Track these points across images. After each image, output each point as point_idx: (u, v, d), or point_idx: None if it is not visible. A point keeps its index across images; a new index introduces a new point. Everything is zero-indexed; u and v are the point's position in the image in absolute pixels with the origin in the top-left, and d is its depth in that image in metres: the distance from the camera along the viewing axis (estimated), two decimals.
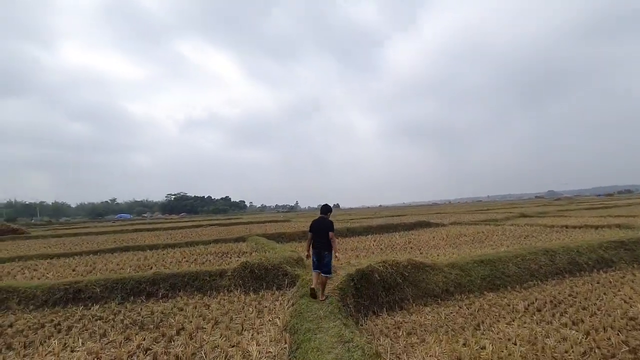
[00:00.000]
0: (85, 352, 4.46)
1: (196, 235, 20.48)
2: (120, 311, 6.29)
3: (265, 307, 6.13)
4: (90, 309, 6.54)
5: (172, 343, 4.68)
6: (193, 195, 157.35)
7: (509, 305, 6.05)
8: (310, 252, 5.90)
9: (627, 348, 4.20)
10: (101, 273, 9.00)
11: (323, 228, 5.77)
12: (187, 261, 10.55)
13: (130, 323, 5.57)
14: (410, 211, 50.56)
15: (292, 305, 5.77)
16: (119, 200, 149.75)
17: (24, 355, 4.53)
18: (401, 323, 5.53)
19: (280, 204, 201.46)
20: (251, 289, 7.32)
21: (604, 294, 6.55)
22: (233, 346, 4.42)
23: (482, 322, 5.30)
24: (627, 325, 4.95)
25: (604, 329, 4.84)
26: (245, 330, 5.00)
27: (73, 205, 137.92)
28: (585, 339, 4.55)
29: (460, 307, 6.13)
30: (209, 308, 6.23)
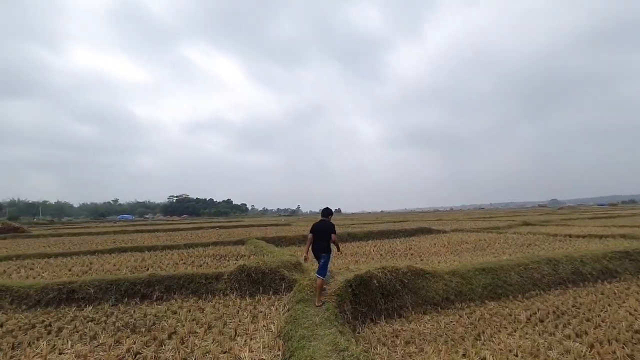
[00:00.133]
0: (74, 355, 4.35)
1: (196, 237, 20.38)
2: (113, 313, 6.18)
3: (261, 312, 6.00)
4: (83, 310, 6.43)
5: (163, 347, 4.56)
6: (195, 198, 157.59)
7: (510, 315, 5.89)
8: (309, 255, 5.86)
9: None
10: (97, 273, 8.90)
11: (325, 231, 5.86)
12: (184, 263, 10.44)
13: (122, 325, 5.46)
14: (411, 217, 50.28)
15: (288, 310, 5.64)
16: (121, 201, 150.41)
17: (11, 357, 4.43)
18: (399, 331, 5.38)
19: (282, 208, 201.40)
20: (247, 292, 7.19)
21: (609, 305, 6.37)
22: (225, 352, 4.29)
23: (483, 332, 5.15)
24: (632, 338, 4.80)
25: (609, 341, 4.68)
26: (238, 335, 4.88)
27: (76, 205, 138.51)
28: (590, 352, 4.39)
29: (461, 316, 5.97)
30: (203, 312, 6.11)
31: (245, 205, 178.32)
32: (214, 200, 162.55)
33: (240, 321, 5.50)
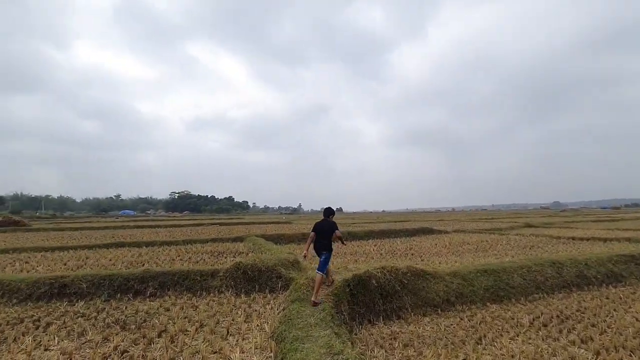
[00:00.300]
0: (59, 352, 4.20)
1: (195, 233, 20.27)
2: (104, 309, 6.03)
3: (255, 310, 5.84)
4: (74, 305, 6.29)
5: (152, 346, 4.40)
6: (197, 194, 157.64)
7: (513, 319, 5.70)
8: (309, 252, 5.74)
9: None
10: (91, 268, 8.77)
11: (327, 229, 5.89)
12: (180, 259, 10.30)
13: (112, 322, 5.31)
14: (413, 217, 50.01)
15: (283, 310, 5.47)
16: (123, 197, 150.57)
17: None
18: (398, 333, 5.19)
19: (283, 206, 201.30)
20: (243, 290, 7.04)
21: (614, 310, 6.17)
22: (215, 352, 4.13)
23: (484, 336, 4.96)
24: None
25: (615, 348, 4.49)
26: (230, 335, 4.71)
27: (78, 200, 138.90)
28: (595, 359, 4.20)
29: (462, 319, 5.78)
30: (196, 309, 5.95)
31: (247, 202, 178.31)
32: (216, 197, 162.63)
33: (233, 320, 5.34)
